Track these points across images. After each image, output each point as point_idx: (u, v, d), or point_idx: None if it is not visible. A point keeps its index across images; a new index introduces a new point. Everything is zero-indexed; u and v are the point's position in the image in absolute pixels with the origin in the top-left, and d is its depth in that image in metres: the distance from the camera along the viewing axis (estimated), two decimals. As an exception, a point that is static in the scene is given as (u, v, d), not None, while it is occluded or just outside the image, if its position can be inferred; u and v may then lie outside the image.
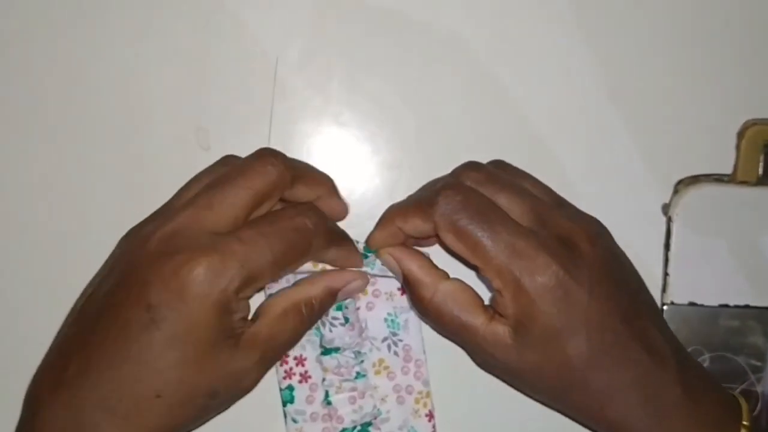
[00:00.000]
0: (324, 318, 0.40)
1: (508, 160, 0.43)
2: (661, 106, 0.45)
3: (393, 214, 0.39)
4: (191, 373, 0.34)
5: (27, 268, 0.43)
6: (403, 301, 0.41)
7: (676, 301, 0.45)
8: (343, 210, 0.41)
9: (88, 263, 0.39)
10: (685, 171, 0.45)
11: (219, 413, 0.37)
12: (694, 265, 0.45)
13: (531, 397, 0.39)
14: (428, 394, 0.42)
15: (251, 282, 0.34)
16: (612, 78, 0.45)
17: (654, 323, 0.37)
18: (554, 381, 0.36)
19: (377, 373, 0.42)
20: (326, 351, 0.41)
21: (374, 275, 0.40)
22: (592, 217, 0.39)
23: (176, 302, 0.33)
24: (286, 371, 0.41)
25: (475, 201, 0.36)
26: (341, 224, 0.40)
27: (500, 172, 0.40)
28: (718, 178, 0.45)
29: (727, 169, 0.45)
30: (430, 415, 0.42)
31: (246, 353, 0.35)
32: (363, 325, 0.41)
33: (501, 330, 0.36)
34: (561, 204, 0.40)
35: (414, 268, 0.38)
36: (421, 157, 0.44)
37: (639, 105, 0.45)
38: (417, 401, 0.42)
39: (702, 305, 0.45)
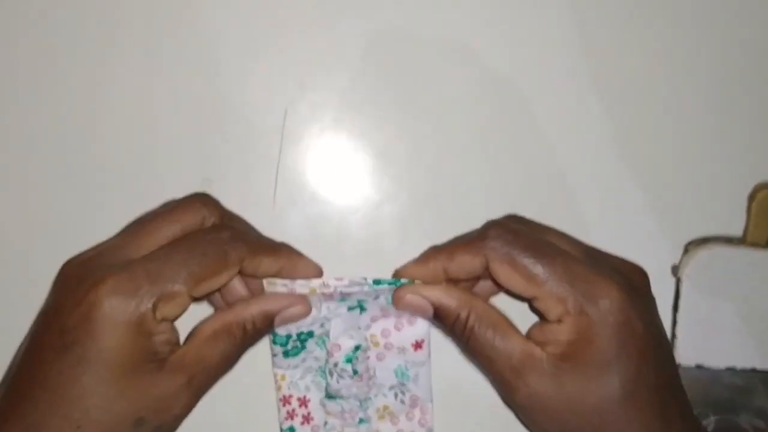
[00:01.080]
0: (332, 368, 0.39)
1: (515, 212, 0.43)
2: (673, 167, 0.45)
3: (437, 251, 0.37)
4: (110, 400, 0.32)
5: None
6: (416, 356, 0.40)
7: (683, 363, 0.45)
8: (316, 269, 0.38)
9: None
10: (696, 232, 0.44)
11: None
12: (702, 327, 0.45)
13: None
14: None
15: (167, 299, 0.33)
16: (624, 137, 0.44)
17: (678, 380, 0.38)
18: (590, 416, 0.35)
19: (381, 417, 0.41)
20: (330, 398, 0.40)
21: (349, 291, 0.37)
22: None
23: (87, 324, 0.32)
24: (288, 412, 0.40)
25: (526, 235, 0.36)
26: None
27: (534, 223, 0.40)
28: (728, 240, 0.45)
29: (738, 231, 0.45)
30: None
31: (171, 376, 0.33)
32: (371, 374, 0.40)
33: (538, 354, 0.35)
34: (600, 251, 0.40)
35: (444, 296, 0.36)
36: (431, 211, 0.44)
37: (651, 165, 0.45)
38: None
39: (709, 368, 0.45)
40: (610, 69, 0.44)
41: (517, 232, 0.36)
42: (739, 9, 0.45)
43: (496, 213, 0.43)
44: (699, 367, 0.45)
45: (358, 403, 0.40)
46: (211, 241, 0.34)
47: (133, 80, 0.43)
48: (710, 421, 0.45)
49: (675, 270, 0.45)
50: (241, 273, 0.36)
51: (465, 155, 0.44)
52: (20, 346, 0.35)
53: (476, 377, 0.41)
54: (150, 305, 0.32)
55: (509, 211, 0.43)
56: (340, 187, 0.44)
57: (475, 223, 0.43)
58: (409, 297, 0.37)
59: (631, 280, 0.36)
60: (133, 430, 0.33)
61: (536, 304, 0.36)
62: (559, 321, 0.35)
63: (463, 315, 0.36)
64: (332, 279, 0.37)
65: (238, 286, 0.38)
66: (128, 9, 0.43)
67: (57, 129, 0.43)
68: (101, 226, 0.39)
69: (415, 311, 0.37)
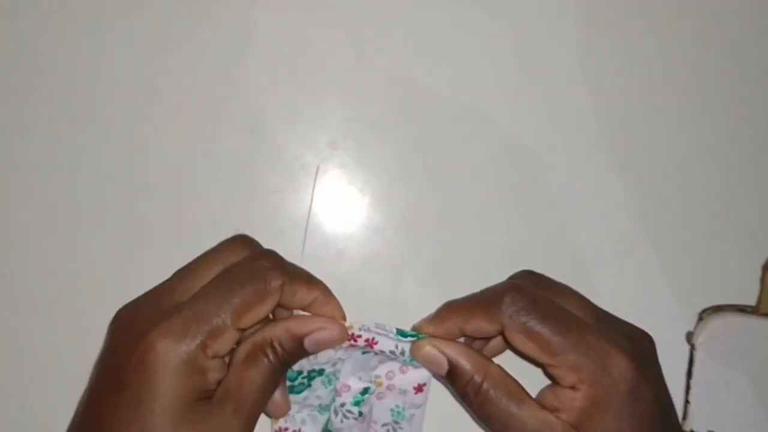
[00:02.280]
0: (338, 408, 0.40)
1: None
2: (688, 236, 0.46)
3: (453, 311, 0.38)
4: None
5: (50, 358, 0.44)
6: (415, 398, 0.41)
7: (695, 430, 0.45)
8: (338, 310, 0.39)
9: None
10: (710, 300, 0.45)
11: None
12: (715, 395, 0.45)
13: None
14: None
15: (215, 336, 0.34)
16: (639, 206, 0.46)
17: None
18: None
19: None
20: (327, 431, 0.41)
21: (376, 333, 0.38)
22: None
23: (142, 367, 0.33)
24: None
25: (542, 302, 0.37)
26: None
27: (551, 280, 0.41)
28: (741, 309, 0.45)
29: (752, 301, 0.45)
30: None
31: (220, 407, 0.34)
32: (368, 409, 0.41)
33: (553, 422, 0.36)
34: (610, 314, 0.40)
35: (461, 357, 0.37)
36: (453, 273, 0.45)
37: (666, 234, 0.46)
38: None
39: (721, 435, 0.45)
40: (626, 137, 0.46)
41: (533, 300, 0.37)
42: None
43: (513, 270, 0.44)
44: (711, 434, 0.45)
45: None
46: (250, 272, 0.36)
47: (170, 132, 0.45)
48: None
49: (689, 337, 0.45)
50: (279, 304, 0.37)
51: (486, 220, 0.45)
52: (82, 395, 0.36)
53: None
54: (199, 343, 0.33)
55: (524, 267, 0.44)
56: (366, 246, 0.45)
57: (498, 280, 0.44)
58: (428, 349, 0.38)
59: (640, 347, 0.38)
60: None
61: (550, 371, 0.37)
62: (573, 388, 0.36)
63: (478, 379, 0.37)
64: (357, 323, 0.38)
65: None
66: (168, 63, 0.45)
67: (95, 182, 0.44)
68: (138, 278, 0.40)
69: (430, 365, 0.38)
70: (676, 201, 0.46)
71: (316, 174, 0.44)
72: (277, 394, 0.38)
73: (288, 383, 0.40)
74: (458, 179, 0.45)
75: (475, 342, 0.41)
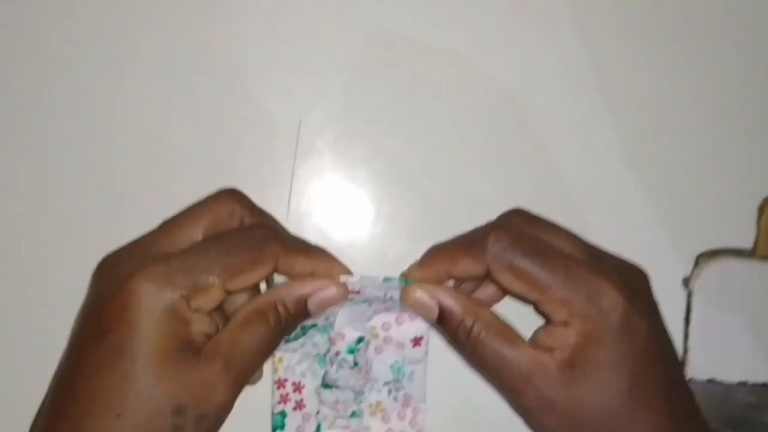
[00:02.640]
0: (333, 357, 0.39)
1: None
2: (683, 179, 0.45)
3: (439, 255, 0.37)
4: (148, 387, 0.32)
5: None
6: (414, 353, 0.40)
7: (695, 377, 0.44)
8: (344, 269, 0.38)
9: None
10: (706, 244, 0.45)
11: None
12: (714, 341, 0.45)
13: None
14: None
15: (201, 290, 0.33)
16: (633, 149, 0.45)
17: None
18: (602, 418, 0.35)
19: (372, 413, 0.41)
20: (327, 386, 0.40)
21: (365, 290, 0.38)
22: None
23: (124, 312, 0.32)
24: (282, 395, 0.40)
25: (527, 238, 0.36)
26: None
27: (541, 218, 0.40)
28: (738, 253, 0.45)
29: (748, 244, 0.45)
30: None
31: (207, 363, 0.33)
32: (368, 366, 0.40)
33: (547, 361, 0.35)
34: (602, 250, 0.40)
35: (450, 300, 0.37)
36: (444, 221, 0.44)
37: (661, 177, 0.45)
38: None
39: (721, 382, 0.45)
40: (620, 80, 0.45)
41: (518, 236, 0.36)
42: (756, 21, 0.46)
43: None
44: (711, 381, 0.44)
45: (352, 395, 0.40)
46: (247, 237, 0.35)
47: (149, 90, 0.44)
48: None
49: (686, 283, 0.45)
50: (276, 272, 0.36)
51: (475, 166, 0.45)
52: (66, 346, 0.35)
53: (472, 384, 0.42)
54: (184, 294, 0.33)
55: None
56: (353, 199, 0.44)
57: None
58: (419, 294, 0.37)
59: (632, 280, 0.37)
60: (174, 418, 0.32)
61: (540, 308, 0.36)
62: (565, 324, 0.35)
63: (468, 322, 0.36)
64: (343, 276, 0.37)
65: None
66: (146, 19, 0.44)
67: (75, 136, 0.43)
68: (121, 233, 0.40)
69: (420, 311, 0.38)
70: (670, 144, 0.45)
71: (299, 127, 0.43)
72: None
73: None
74: (446, 127, 0.45)
75: (463, 285, 0.40)
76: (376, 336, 0.40)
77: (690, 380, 0.44)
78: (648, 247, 0.44)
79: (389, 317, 0.40)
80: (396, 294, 0.38)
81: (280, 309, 0.36)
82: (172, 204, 0.42)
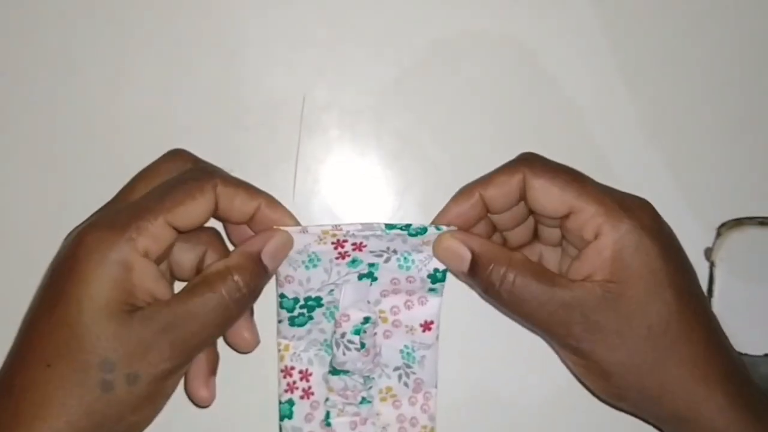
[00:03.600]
0: (339, 339, 0.38)
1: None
2: (704, 147, 0.44)
3: (472, 184, 0.37)
4: (77, 337, 0.32)
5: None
6: (424, 337, 0.40)
7: (719, 351, 0.43)
8: (290, 217, 0.37)
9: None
10: (728, 214, 0.43)
11: (143, 405, 0.33)
12: (738, 313, 0.43)
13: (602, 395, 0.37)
14: (432, 430, 0.40)
15: (143, 228, 0.33)
16: (655, 119, 0.44)
17: None
18: (652, 335, 0.34)
19: (383, 399, 0.40)
20: (335, 371, 0.39)
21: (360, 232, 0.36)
22: None
23: (71, 260, 0.32)
24: (288, 384, 0.40)
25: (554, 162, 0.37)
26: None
27: None
28: (762, 221, 0.43)
29: (772, 212, 0.43)
30: None
31: (143, 321, 0.32)
32: (377, 351, 0.40)
33: (588, 287, 0.35)
34: None
35: (482, 245, 0.36)
36: (450, 196, 0.43)
37: (680, 146, 0.44)
38: None
39: (746, 354, 0.43)
40: (640, 49, 0.44)
41: (547, 160, 0.37)
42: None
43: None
44: (736, 354, 0.43)
45: (361, 381, 0.40)
46: (185, 174, 0.35)
47: (151, 71, 0.43)
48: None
49: (708, 254, 0.43)
50: (218, 212, 0.35)
51: (489, 140, 0.43)
52: None
53: (483, 368, 0.42)
54: (127, 236, 0.33)
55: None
56: (360, 173, 0.43)
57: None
58: (449, 242, 0.36)
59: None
60: (102, 373, 0.32)
61: (571, 222, 0.35)
62: (598, 236, 0.35)
63: (502, 267, 0.35)
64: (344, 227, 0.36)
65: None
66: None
67: (76, 116, 0.43)
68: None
69: (452, 259, 0.37)
70: (690, 112, 0.44)
71: (303, 102, 0.42)
72: (244, 331, 0.37)
73: (287, 314, 0.39)
74: (454, 98, 0.43)
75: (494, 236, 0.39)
76: (384, 320, 0.39)
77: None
78: (667, 216, 0.42)
79: (398, 300, 0.39)
80: (399, 246, 0.37)
81: (236, 276, 0.34)
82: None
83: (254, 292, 0.35)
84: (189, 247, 0.37)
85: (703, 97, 0.44)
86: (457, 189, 0.43)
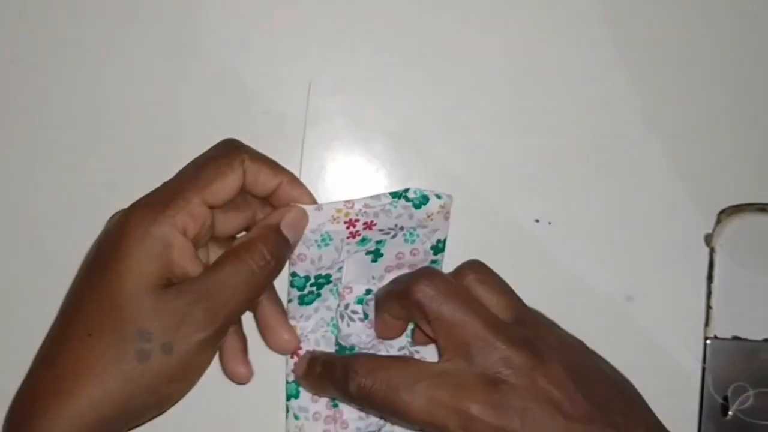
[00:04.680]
0: (343, 311, 0.39)
1: (544, 187, 0.43)
2: (703, 133, 0.44)
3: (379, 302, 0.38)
4: (115, 308, 0.33)
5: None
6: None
7: (719, 335, 0.44)
8: (308, 195, 0.38)
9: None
10: (728, 200, 0.44)
11: (177, 376, 0.34)
12: (738, 298, 0.44)
13: None
14: None
15: (181, 207, 0.34)
16: (654, 106, 0.44)
17: None
18: None
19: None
20: (341, 350, 0.40)
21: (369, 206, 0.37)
22: (572, 338, 0.37)
23: (115, 239, 0.34)
24: (295, 364, 0.40)
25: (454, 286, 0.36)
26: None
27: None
28: (761, 207, 0.44)
29: (771, 198, 0.44)
30: None
31: (176, 294, 0.33)
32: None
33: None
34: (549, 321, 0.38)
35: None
36: (455, 184, 0.43)
37: (680, 132, 0.44)
38: None
39: (746, 339, 0.44)
40: (640, 36, 0.44)
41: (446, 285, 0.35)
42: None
43: (522, 184, 0.43)
44: (736, 338, 0.44)
45: None
46: (212, 150, 0.37)
47: (157, 60, 0.43)
48: (749, 395, 0.43)
49: (708, 239, 0.44)
50: (245, 186, 0.36)
51: (491, 126, 0.44)
52: None
53: None
54: (166, 214, 0.34)
55: (536, 183, 0.42)
56: (367, 161, 0.44)
57: (502, 194, 0.43)
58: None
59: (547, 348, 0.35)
60: (138, 342, 0.33)
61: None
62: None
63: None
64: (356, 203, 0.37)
65: None
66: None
67: (81, 110, 0.43)
68: (132, 198, 0.39)
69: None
70: (690, 98, 0.44)
71: (309, 89, 0.43)
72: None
73: (297, 293, 0.39)
74: (459, 87, 0.44)
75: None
76: None
77: (714, 338, 0.43)
78: (667, 203, 0.44)
79: (400, 274, 0.39)
80: (406, 223, 0.38)
81: (260, 245, 0.35)
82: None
83: (279, 262, 0.36)
84: (236, 214, 0.38)
85: (703, 84, 0.44)
86: (460, 179, 0.43)
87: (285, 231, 0.36)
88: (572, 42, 0.44)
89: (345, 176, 0.43)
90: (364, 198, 0.37)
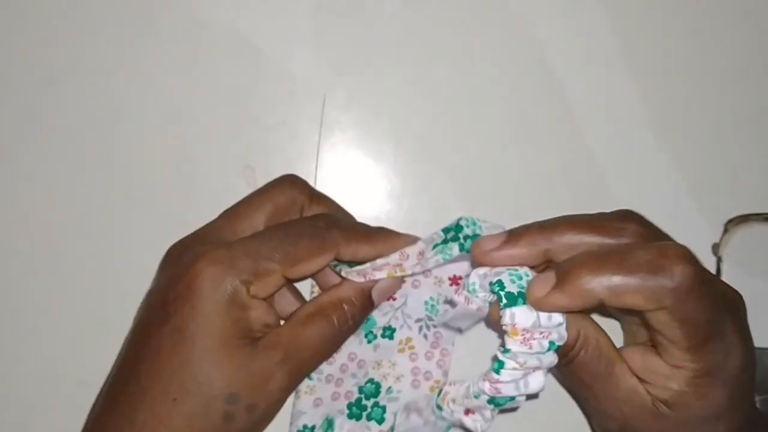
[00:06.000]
0: None
1: (554, 200, 0.43)
2: (711, 144, 0.45)
3: (588, 270, 0.30)
4: (204, 373, 0.32)
5: (74, 303, 0.43)
6: (451, 291, 0.40)
7: (726, 344, 0.44)
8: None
9: (132, 300, 0.39)
10: (736, 210, 0.44)
11: (254, 430, 0.35)
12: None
13: None
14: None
15: (261, 275, 0.34)
16: (661, 116, 0.44)
17: None
18: None
19: (401, 350, 0.40)
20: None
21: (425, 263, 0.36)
22: None
23: (187, 294, 0.33)
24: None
25: (710, 282, 0.32)
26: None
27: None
28: (767, 218, 0.44)
29: (779, 209, 0.44)
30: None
31: (265, 353, 0.33)
32: (404, 301, 0.40)
33: (643, 395, 0.33)
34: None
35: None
36: (469, 196, 0.44)
37: (688, 142, 0.44)
38: (432, 389, 0.40)
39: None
40: (647, 46, 0.45)
41: (704, 280, 0.31)
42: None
43: (533, 195, 0.43)
44: (742, 346, 0.44)
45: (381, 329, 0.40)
46: (308, 227, 0.35)
47: (174, 70, 0.44)
48: (755, 402, 0.44)
49: (715, 249, 0.44)
50: (339, 260, 0.36)
51: (501, 139, 0.44)
52: (129, 331, 0.36)
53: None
54: (244, 278, 0.33)
55: (547, 193, 0.43)
56: (381, 173, 0.44)
57: (513, 206, 0.44)
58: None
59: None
60: (226, 405, 0.33)
61: (662, 341, 0.32)
62: (676, 367, 0.32)
63: (572, 336, 0.32)
64: (408, 248, 0.36)
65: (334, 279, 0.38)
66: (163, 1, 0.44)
67: (97, 120, 0.44)
68: (146, 217, 0.40)
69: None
70: (697, 109, 0.45)
71: (324, 102, 0.43)
72: None
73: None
74: (471, 100, 0.44)
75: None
76: None
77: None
78: (675, 213, 0.44)
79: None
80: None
81: (346, 307, 0.36)
82: (198, 182, 0.43)
83: (357, 326, 0.37)
84: None
85: (710, 95, 0.45)
86: (472, 191, 0.44)
87: (375, 295, 0.36)
88: (581, 53, 0.45)
89: (358, 187, 0.44)
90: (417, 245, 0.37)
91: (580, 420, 0.40)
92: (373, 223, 0.43)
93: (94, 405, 0.35)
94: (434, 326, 0.40)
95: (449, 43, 0.44)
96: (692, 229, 0.44)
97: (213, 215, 0.39)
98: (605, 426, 0.35)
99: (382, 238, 0.37)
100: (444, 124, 0.44)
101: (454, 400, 0.34)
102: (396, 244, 0.37)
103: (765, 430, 0.36)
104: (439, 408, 0.34)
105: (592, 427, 0.39)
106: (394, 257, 0.36)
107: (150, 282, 0.39)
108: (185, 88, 0.44)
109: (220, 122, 0.44)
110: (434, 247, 0.36)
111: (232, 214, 0.37)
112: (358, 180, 0.44)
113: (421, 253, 0.36)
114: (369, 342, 0.40)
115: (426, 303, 0.40)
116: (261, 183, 0.42)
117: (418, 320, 0.40)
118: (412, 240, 0.37)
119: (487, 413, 0.33)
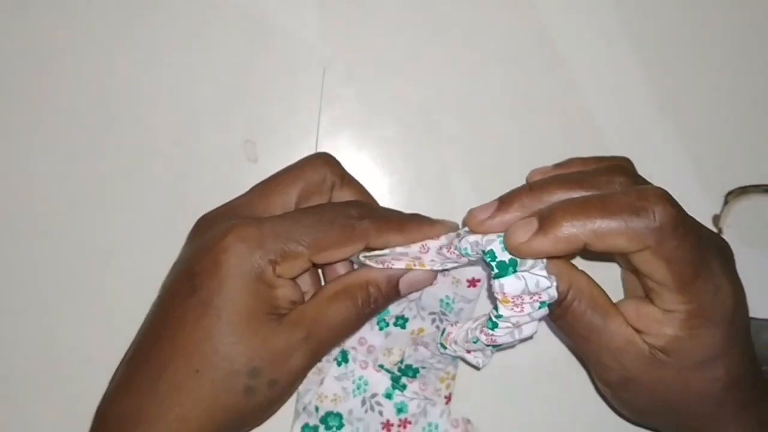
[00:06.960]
0: None
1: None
2: (711, 115, 0.45)
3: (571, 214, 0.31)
4: (228, 345, 0.33)
5: (74, 283, 0.43)
6: (467, 292, 0.40)
7: (727, 315, 0.44)
8: (453, 229, 0.37)
9: (135, 274, 0.39)
10: (736, 182, 0.44)
11: (274, 405, 0.35)
12: (745, 278, 0.44)
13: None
14: (454, 377, 0.41)
15: (288, 257, 0.33)
16: (662, 88, 0.44)
17: None
18: (690, 401, 0.34)
19: (413, 341, 0.41)
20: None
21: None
22: None
23: (214, 268, 0.33)
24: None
25: (690, 222, 0.33)
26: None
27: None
28: (767, 189, 0.44)
29: (779, 180, 0.44)
30: (449, 399, 0.41)
31: (289, 329, 0.34)
32: (419, 295, 0.40)
33: (639, 343, 0.33)
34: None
35: (551, 266, 0.33)
36: (468, 171, 0.44)
37: (689, 115, 0.45)
38: (442, 380, 0.41)
39: (753, 318, 0.44)
40: (649, 19, 0.45)
41: (684, 218, 0.32)
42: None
43: (535, 167, 0.43)
44: (743, 317, 0.44)
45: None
46: (340, 214, 0.35)
47: (174, 45, 0.44)
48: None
49: (716, 220, 0.44)
50: (370, 249, 0.36)
51: (503, 111, 0.44)
52: (155, 300, 0.36)
53: None
54: (272, 258, 0.33)
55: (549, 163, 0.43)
56: (381, 147, 0.44)
57: (516, 178, 0.43)
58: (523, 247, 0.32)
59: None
60: (248, 379, 0.33)
61: (652, 285, 0.33)
62: (668, 312, 0.33)
63: (563, 288, 0.33)
64: (429, 241, 0.36)
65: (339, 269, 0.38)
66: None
67: (98, 91, 0.44)
68: (147, 192, 0.40)
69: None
70: (698, 79, 0.45)
71: (323, 77, 0.43)
72: None
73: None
74: (472, 72, 0.44)
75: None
76: None
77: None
78: (675, 184, 0.43)
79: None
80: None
81: (371, 289, 0.36)
82: (199, 157, 0.43)
83: (378, 311, 0.37)
84: None
85: (711, 67, 0.45)
86: (473, 164, 0.44)
87: (402, 286, 0.36)
88: (582, 24, 0.44)
89: (359, 161, 0.44)
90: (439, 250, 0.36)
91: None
92: (377, 200, 0.44)
93: (116, 373, 0.35)
94: (447, 321, 0.40)
95: (450, 16, 0.44)
96: (692, 201, 0.43)
97: (213, 190, 0.40)
98: (606, 378, 0.36)
99: (415, 227, 0.36)
100: (445, 97, 0.44)
101: (456, 341, 0.36)
102: (429, 233, 0.36)
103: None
104: (443, 347, 0.37)
105: (593, 382, 0.39)
106: (415, 249, 0.36)
107: (151, 256, 0.39)
108: (186, 63, 0.44)
109: (221, 97, 0.44)
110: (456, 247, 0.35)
111: (264, 188, 0.37)
112: (358, 154, 0.44)
113: (442, 248, 0.36)
114: (381, 329, 0.40)
115: (441, 301, 0.40)
116: (261, 157, 0.42)
117: (432, 313, 0.41)
118: (448, 228, 0.36)
119: (487, 351, 0.36)
